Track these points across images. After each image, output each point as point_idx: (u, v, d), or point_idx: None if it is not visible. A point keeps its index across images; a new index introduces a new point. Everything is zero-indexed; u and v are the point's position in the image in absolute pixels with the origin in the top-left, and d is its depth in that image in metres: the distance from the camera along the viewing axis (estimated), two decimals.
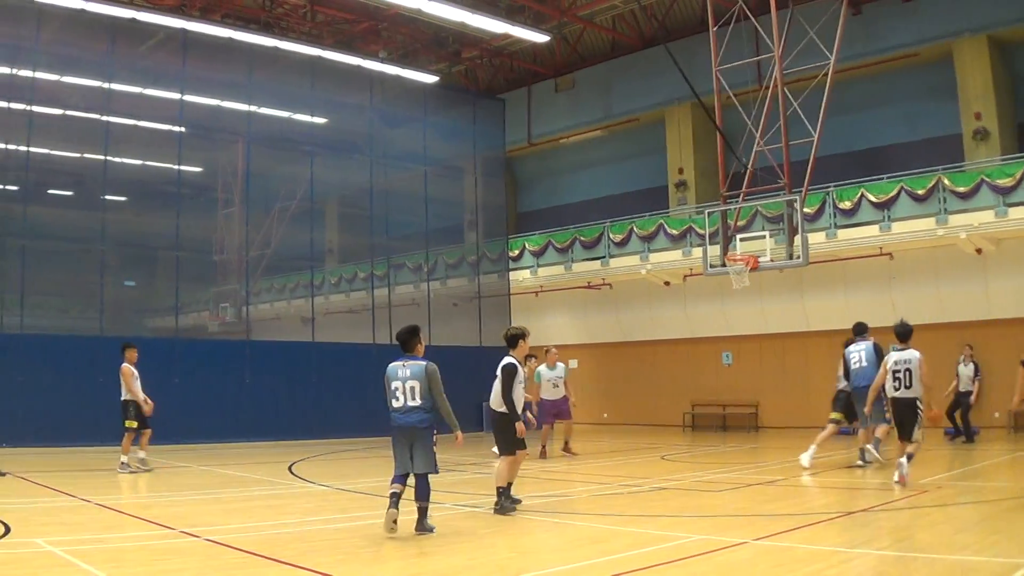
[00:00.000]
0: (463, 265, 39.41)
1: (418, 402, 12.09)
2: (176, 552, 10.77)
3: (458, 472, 21.11)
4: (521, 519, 13.52)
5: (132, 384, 20.48)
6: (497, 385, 14.83)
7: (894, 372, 16.58)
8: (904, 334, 16.92)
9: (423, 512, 11.96)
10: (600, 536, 12.09)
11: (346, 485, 18.09)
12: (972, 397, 26.48)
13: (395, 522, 11.59)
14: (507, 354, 15.14)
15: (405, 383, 12.16)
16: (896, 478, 15.92)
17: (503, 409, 14.62)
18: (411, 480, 12.03)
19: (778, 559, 10.24)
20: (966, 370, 26.71)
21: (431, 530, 11.80)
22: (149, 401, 20.61)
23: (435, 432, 12.11)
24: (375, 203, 34.88)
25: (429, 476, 12.05)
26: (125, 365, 20.59)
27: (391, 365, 12.47)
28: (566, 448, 25.05)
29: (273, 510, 14.98)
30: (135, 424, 20.43)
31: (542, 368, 25.06)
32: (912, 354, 16.46)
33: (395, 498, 11.79)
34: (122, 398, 20.53)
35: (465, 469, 21.86)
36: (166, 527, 12.42)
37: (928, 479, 17.26)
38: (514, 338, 15.27)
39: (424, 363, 12.30)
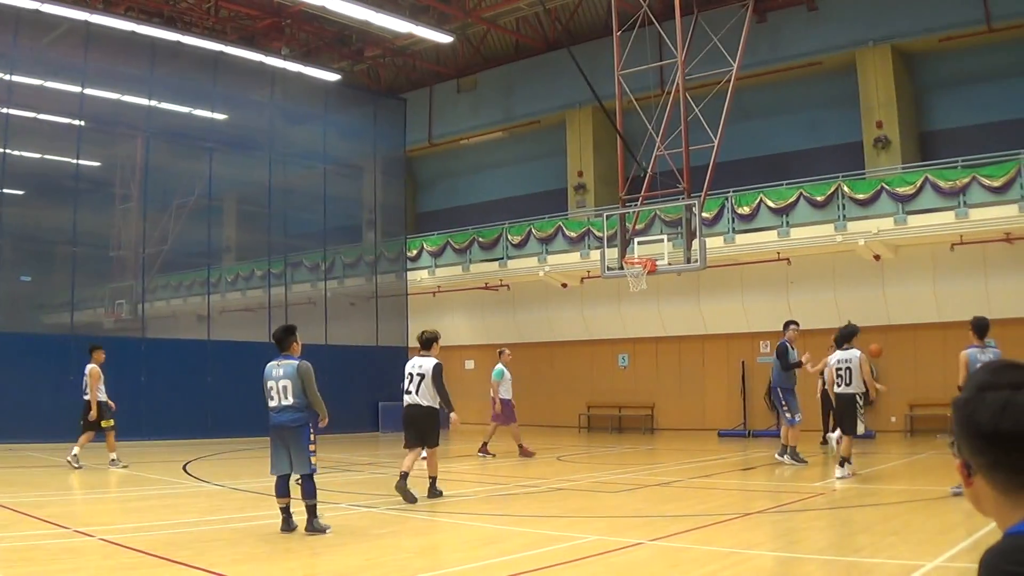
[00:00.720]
0: (361, 264, 39.21)
1: (291, 401, 11.96)
2: (71, 552, 10.58)
3: (354, 472, 21.01)
4: (418, 519, 13.48)
5: (97, 386, 20.63)
6: (428, 382, 15.61)
7: (837, 370, 17.86)
8: (848, 335, 18.31)
9: (312, 511, 11.82)
10: (497, 536, 12.07)
11: (241, 484, 17.91)
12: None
13: (293, 531, 11.58)
14: (421, 355, 16.06)
15: (278, 382, 12.04)
16: (840, 474, 17.08)
17: (434, 404, 15.63)
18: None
19: (674, 560, 10.28)
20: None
21: (323, 530, 11.68)
22: (111, 403, 21.19)
23: (312, 432, 11.97)
24: (274, 201, 34.63)
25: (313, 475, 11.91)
26: (93, 366, 20.76)
27: (268, 365, 12.37)
28: (523, 449, 24.57)
29: (169, 509, 14.78)
30: (112, 422, 21.03)
31: (503, 367, 25.15)
32: (854, 353, 17.77)
33: (286, 514, 11.73)
34: (86, 398, 20.89)
35: (361, 469, 21.77)
36: (60, 526, 12.22)
37: (824, 482, 17.45)
38: (429, 340, 16.09)
39: (297, 362, 12.16)
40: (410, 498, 14.85)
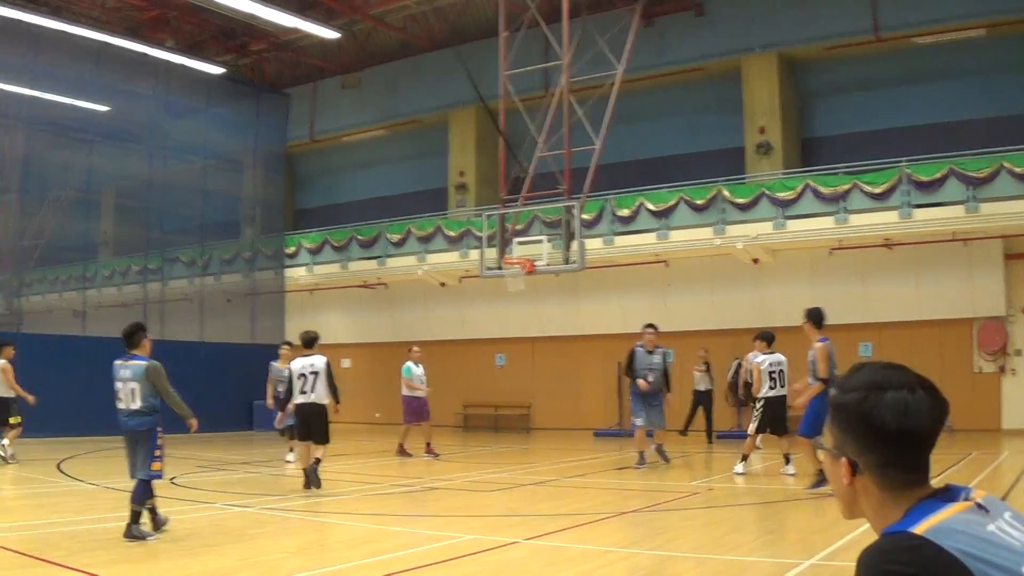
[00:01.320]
0: (238, 261, 38.87)
1: (138, 405, 11.56)
2: None
3: (229, 471, 20.83)
4: (292, 519, 13.45)
5: (12, 381, 20.48)
6: (323, 379, 16.62)
7: (770, 373, 18.31)
8: (772, 338, 19.13)
9: (135, 516, 11.31)
10: (373, 536, 12.08)
11: (116, 483, 17.63)
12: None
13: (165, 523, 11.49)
14: (306, 355, 17.00)
15: (126, 384, 11.64)
16: (740, 470, 18.19)
17: (324, 401, 16.62)
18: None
19: (550, 558, 10.36)
20: (701, 373, 27.54)
21: (144, 537, 11.20)
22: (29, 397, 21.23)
23: (160, 435, 11.70)
24: (153, 195, 34.25)
25: (152, 481, 11.59)
26: (4, 362, 20.49)
27: (115, 363, 11.94)
28: (429, 449, 23.84)
29: (43, 509, 14.61)
30: (20, 419, 21.01)
31: (410, 364, 24.19)
32: (781, 357, 18.54)
33: (153, 513, 11.58)
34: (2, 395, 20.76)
35: (236, 468, 21.58)
36: None
37: (699, 481, 17.68)
38: (313, 340, 17.09)
39: (146, 363, 11.75)
40: (317, 483, 16.14)
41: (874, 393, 2.49)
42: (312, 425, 16.80)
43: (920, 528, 2.26)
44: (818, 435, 12.86)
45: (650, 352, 20.50)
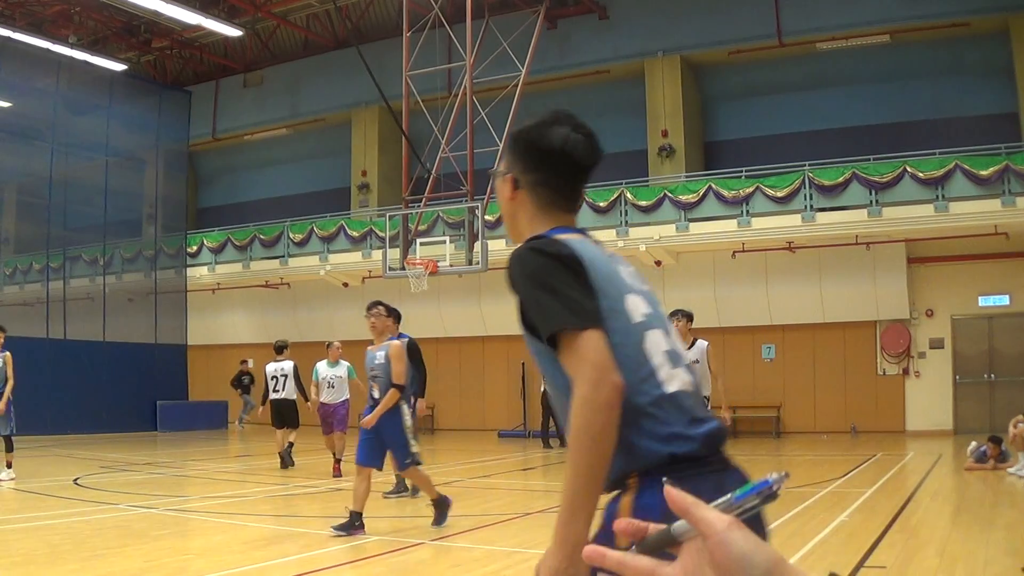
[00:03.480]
0: (140, 259, 38.44)
1: None
2: None
3: (132, 472, 20.63)
4: (196, 520, 13.34)
5: None
6: (291, 380, 21.32)
7: None
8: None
9: None
10: (278, 537, 12.03)
11: (19, 485, 17.42)
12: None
13: None
14: (278, 360, 21.46)
15: None
16: None
17: (293, 397, 20.69)
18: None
19: (456, 559, 10.38)
20: None
21: None
22: None
23: None
24: (54, 192, 33.79)
25: None
26: None
27: None
28: (337, 467, 19.94)
29: None
30: None
31: (320, 364, 20.75)
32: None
33: None
34: None
35: (139, 469, 21.38)
36: None
37: None
38: (283, 347, 21.26)
39: None
40: (291, 463, 21.22)
41: (549, 124, 3.28)
42: (285, 416, 21.56)
43: (557, 235, 3.07)
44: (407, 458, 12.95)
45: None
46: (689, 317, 14.74)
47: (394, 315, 13.79)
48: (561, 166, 3.22)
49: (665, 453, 2.83)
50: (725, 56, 32.80)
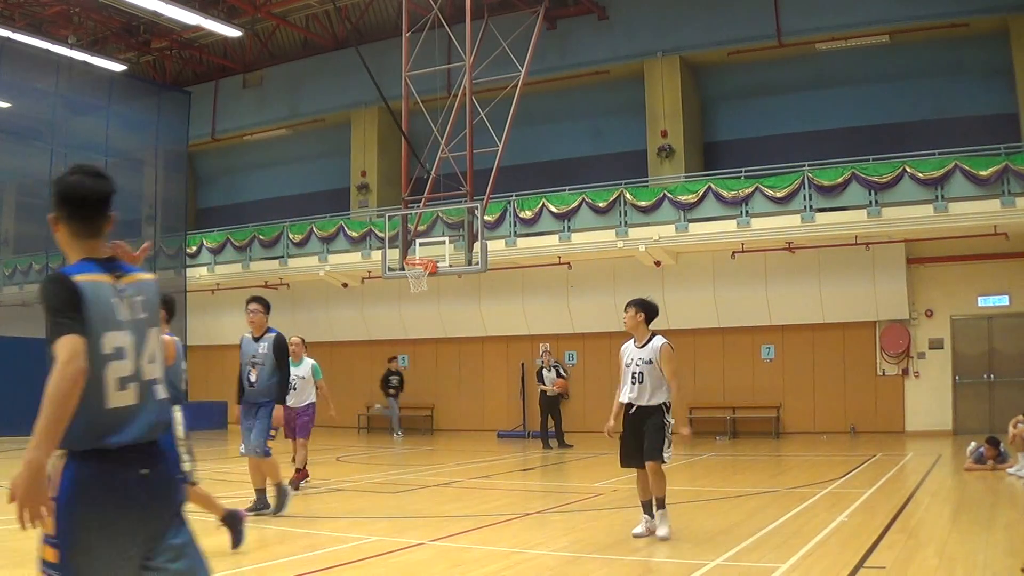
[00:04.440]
0: None
1: None
2: None
3: None
4: (195, 521, 13.27)
5: None
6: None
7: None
8: None
9: None
10: (278, 537, 11.97)
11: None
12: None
13: None
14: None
15: None
16: None
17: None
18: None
19: (455, 559, 10.35)
20: (550, 374, 27.58)
21: None
22: None
23: None
24: None
25: None
26: None
27: None
28: (299, 475, 17.40)
29: None
30: None
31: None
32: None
33: None
34: None
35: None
36: None
37: (604, 482, 17.73)
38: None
39: None
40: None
41: (64, 176, 4.66)
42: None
43: (72, 274, 4.36)
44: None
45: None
46: (643, 308, 12.35)
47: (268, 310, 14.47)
48: (74, 203, 4.62)
49: (87, 445, 4.19)
50: (725, 56, 32.78)
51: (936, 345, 28.87)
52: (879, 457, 21.77)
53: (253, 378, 13.55)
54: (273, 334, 13.84)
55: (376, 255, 31.71)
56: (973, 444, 19.27)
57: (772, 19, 31.25)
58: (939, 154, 26.71)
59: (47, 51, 33.11)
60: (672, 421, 11.73)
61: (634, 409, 11.78)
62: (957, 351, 28.82)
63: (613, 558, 10.25)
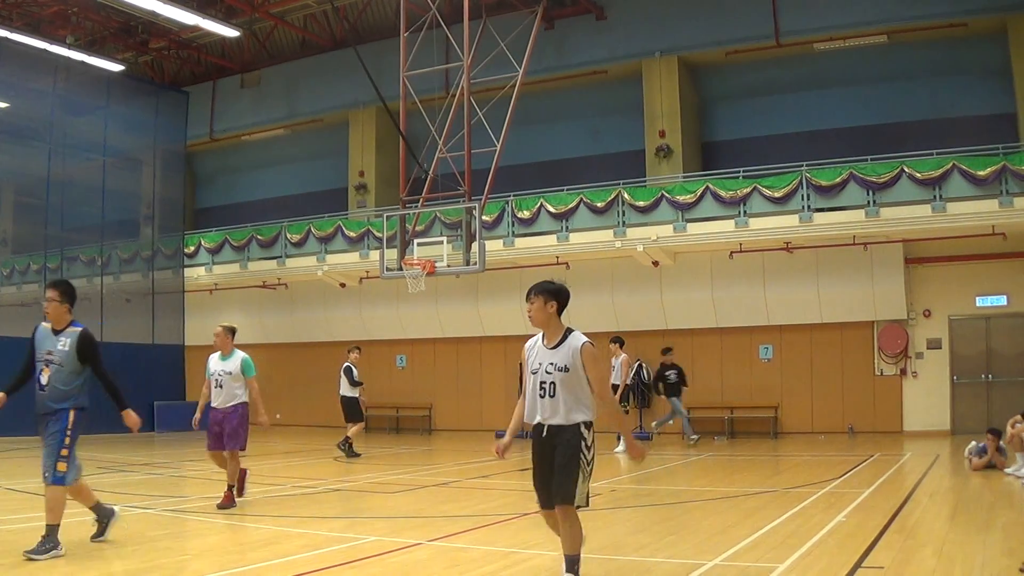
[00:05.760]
0: (137, 260, 38.38)
1: None
2: None
3: (129, 473, 20.56)
4: (193, 521, 13.31)
5: None
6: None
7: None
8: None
9: None
10: (275, 538, 11.98)
11: (15, 484, 17.40)
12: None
13: None
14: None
15: None
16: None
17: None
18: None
19: (453, 559, 10.35)
20: None
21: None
22: None
23: None
24: (52, 193, 33.74)
25: None
26: None
27: None
28: (228, 497, 14.82)
29: None
30: None
31: (212, 357, 15.79)
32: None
33: None
34: None
35: (136, 470, 21.33)
36: None
37: (601, 482, 17.72)
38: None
39: None
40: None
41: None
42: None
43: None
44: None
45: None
46: (553, 295, 9.06)
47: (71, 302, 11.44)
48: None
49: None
50: (723, 56, 32.79)
51: (934, 345, 28.87)
52: (877, 457, 21.78)
53: (44, 379, 11.10)
54: (78, 329, 11.25)
55: (374, 255, 31.70)
56: (973, 443, 19.30)
57: (770, 19, 31.25)
58: (937, 154, 26.71)
59: (45, 51, 33.11)
60: (591, 444, 8.83)
61: (545, 431, 9.01)
62: (955, 351, 28.82)
63: (611, 558, 10.24)
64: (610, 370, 24.14)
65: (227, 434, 14.98)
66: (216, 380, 15.27)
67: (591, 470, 8.81)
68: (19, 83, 33.61)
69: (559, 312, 9.04)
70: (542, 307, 8.99)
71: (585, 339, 8.89)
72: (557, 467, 8.75)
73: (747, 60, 32.67)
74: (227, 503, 14.44)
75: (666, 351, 27.69)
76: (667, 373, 27.39)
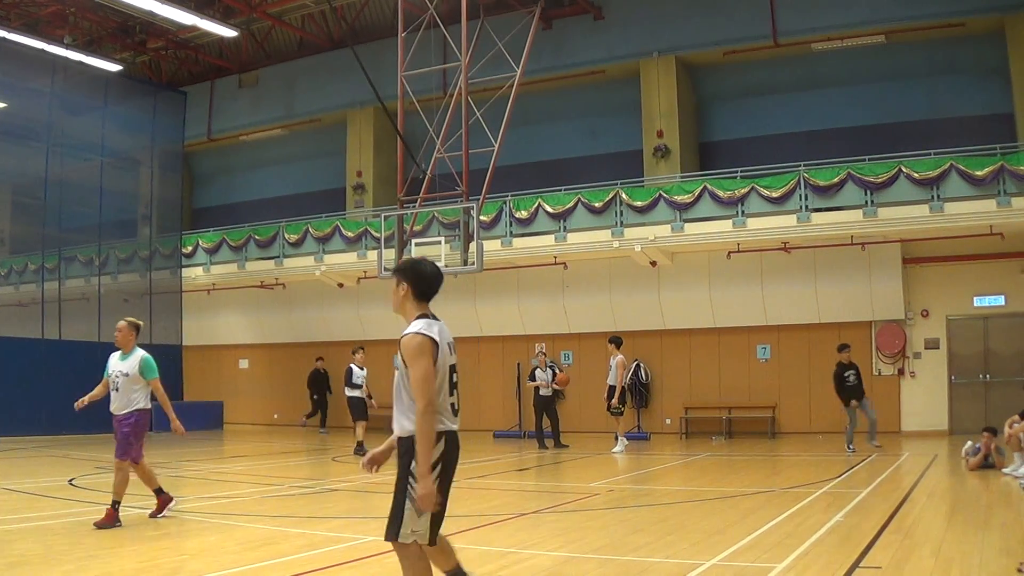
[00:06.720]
0: (135, 260, 38.33)
1: None
2: None
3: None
4: (191, 521, 13.28)
5: None
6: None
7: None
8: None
9: None
10: (273, 538, 11.98)
11: (13, 484, 17.38)
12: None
13: None
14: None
15: None
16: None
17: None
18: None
19: None
20: (544, 375, 27.44)
21: None
22: None
23: None
24: (49, 193, 33.73)
25: None
26: None
27: None
28: (110, 514, 12.66)
29: None
30: None
31: (112, 357, 13.53)
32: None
33: None
34: None
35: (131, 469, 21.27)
36: None
37: (600, 482, 17.73)
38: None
39: None
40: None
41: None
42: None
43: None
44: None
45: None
46: (401, 274, 7.18)
47: None
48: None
49: None
50: (720, 56, 32.80)
51: (932, 345, 28.88)
52: (875, 457, 21.78)
53: None
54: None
55: (372, 255, 31.68)
56: (970, 443, 19.31)
57: (768, 19, 31.25)
58: (935, 154, 26.70)
59: (43, 51, 33.08)
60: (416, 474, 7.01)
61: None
62: (953, 351, 28.82)
63: (609, 558, 10.25)
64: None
65: (117, 442, 13.13)
66: (113, 382, 13.25)
67: (416, 504, 7.05)
68: (17, 83, 33.57)
69: (417, 296, 7.14)
70: (394, 289, 7.17)
71: (415, 329, 6.99)
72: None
73: (745, 60, 32.68)
74: (107, 522, 12.43)
75: (842, 348, 24.97)
76: (846, 374, 24.60)
